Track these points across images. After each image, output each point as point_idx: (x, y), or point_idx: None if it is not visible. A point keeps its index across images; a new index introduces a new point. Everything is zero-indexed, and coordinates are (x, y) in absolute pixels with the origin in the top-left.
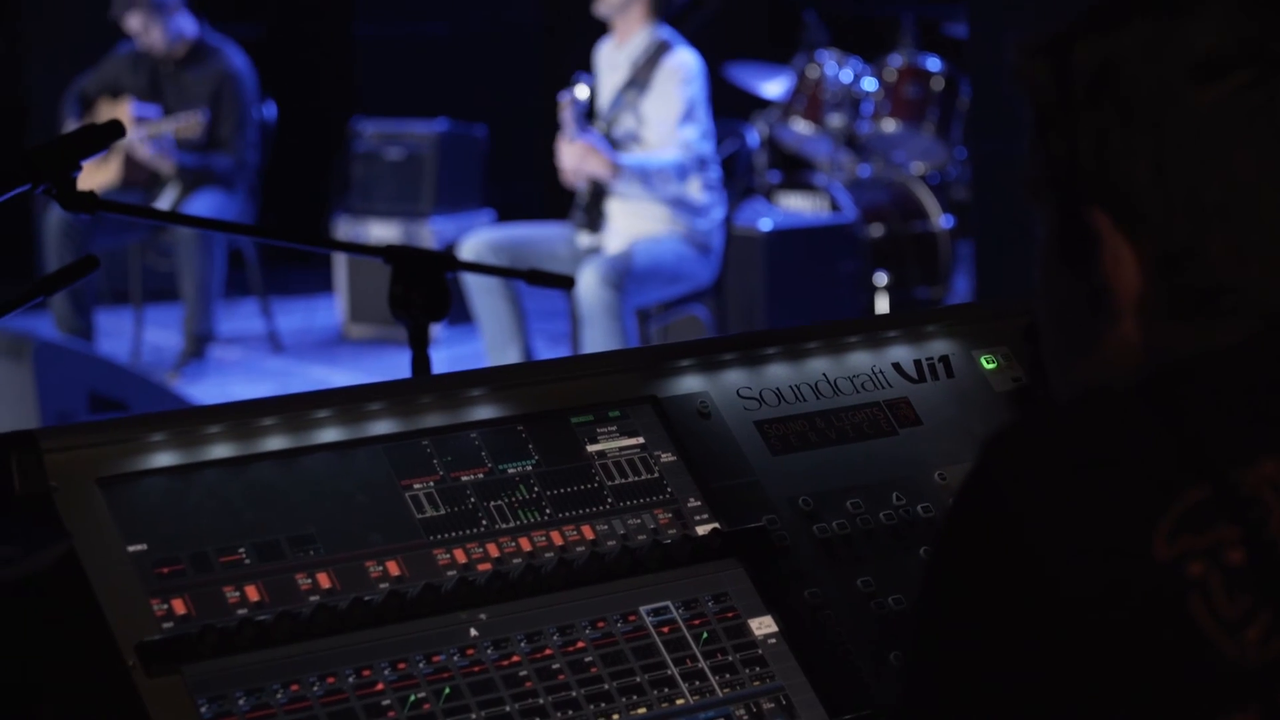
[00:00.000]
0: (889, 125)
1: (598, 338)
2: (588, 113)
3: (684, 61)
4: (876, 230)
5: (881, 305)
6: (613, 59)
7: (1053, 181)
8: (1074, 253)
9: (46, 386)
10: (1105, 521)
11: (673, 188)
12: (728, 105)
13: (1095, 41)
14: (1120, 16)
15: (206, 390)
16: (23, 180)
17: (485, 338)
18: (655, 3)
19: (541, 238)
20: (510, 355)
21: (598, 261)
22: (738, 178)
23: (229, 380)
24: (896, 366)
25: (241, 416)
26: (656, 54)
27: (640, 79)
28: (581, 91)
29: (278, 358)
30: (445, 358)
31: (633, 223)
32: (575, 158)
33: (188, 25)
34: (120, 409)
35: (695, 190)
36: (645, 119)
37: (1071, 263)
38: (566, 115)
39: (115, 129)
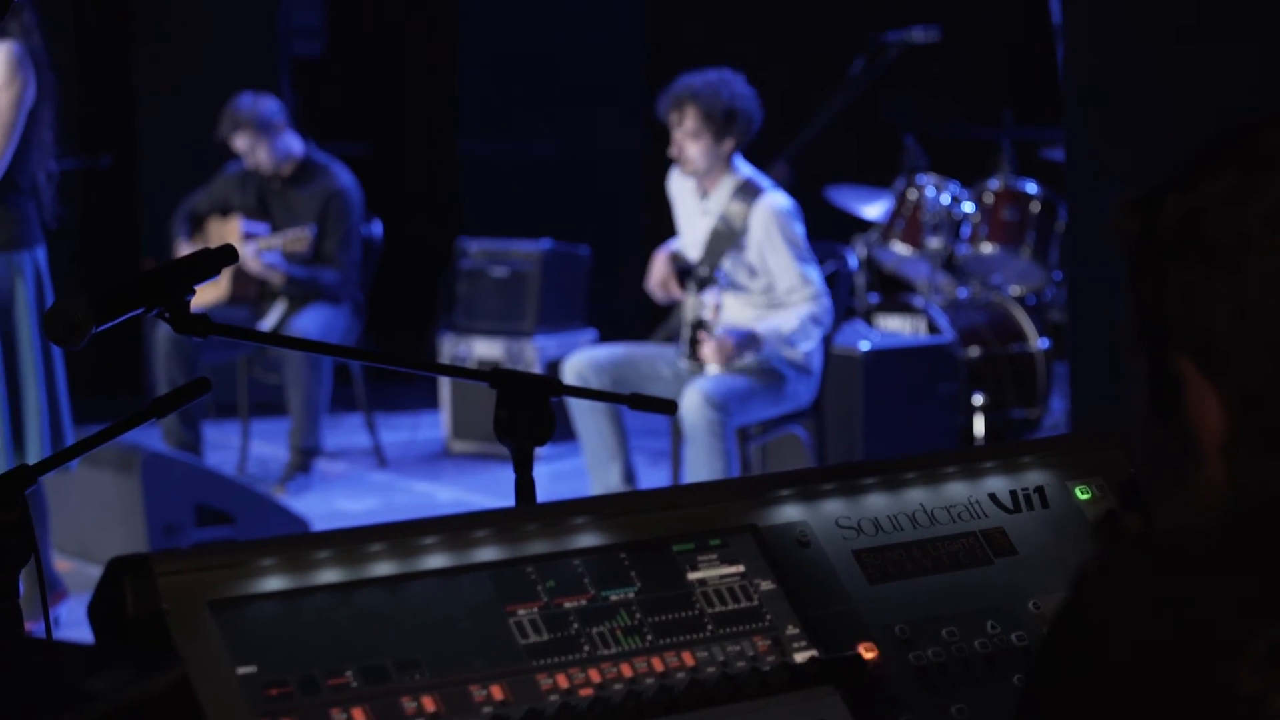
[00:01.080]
0: (987, 248)
1: (700, 456)
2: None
3: (779, 205)
4: (974, 352)
5: (978, 426)
6: (697, 204)
7: (1143, 331)
8: (1163, 400)
9: (154, 498)
10: (1191, 655)
11: (817, 334)
12: (828, 227)
13: (1184, 194)
14: (1209, 170)
15: (312, 503)
16: (137, 304)
17: (586, 454)
18: (735, 149)
19: (644, 357)
20: (611, 473)
21: (702, 382)
22: (837, 299)
23: (334, 494)
24: (992, 497)
25: (350, 543)
26: (747, 199)
27: (735, 227)
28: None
29: (382, 472)
30: (547, 473)
31: None
32: (723, 354)
33: (294, 144)
34: (226, 521)
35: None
36: (758, 270)
37: (1161, 409)
38: (708, 316)
39: (228, 254)
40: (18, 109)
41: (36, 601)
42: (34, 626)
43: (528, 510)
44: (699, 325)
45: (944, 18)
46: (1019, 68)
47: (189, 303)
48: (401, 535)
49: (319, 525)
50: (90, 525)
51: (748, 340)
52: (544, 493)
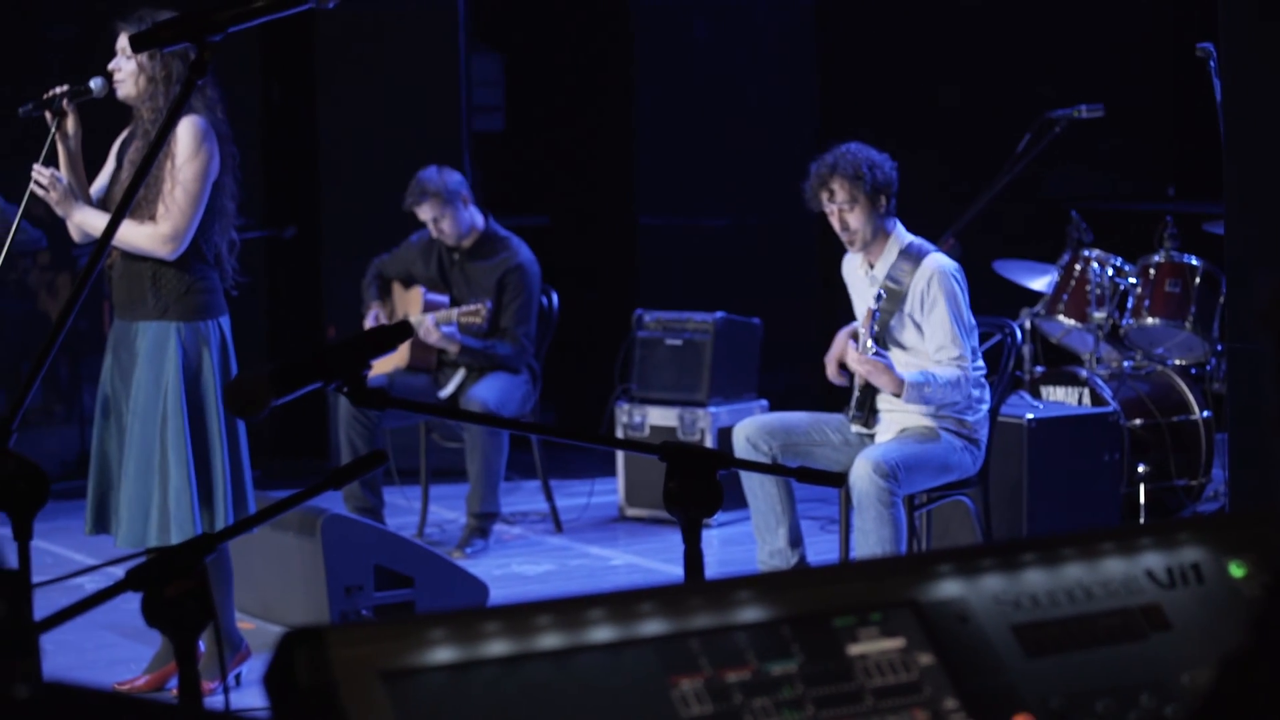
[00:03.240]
0: (1150, 320)
1: (869, 524)
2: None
3: (943, 264)
4: (1137, 422)
5: (1141, 495)
6: (866, 276)
7: None
8: None
9: (334, 560)
10: None
11: (952, 399)
12: (995, 300)
13: None
14: None
15: (488, 567)
16: (315, 379)
17: (754, 518)
18: (890, 210)
19: (813, 423)
20: (778, 537)
21: (871, 451)
22: (1004, 370)
23: (511, 558)
24: (1149, 573)
25: (519, 617)
26: (913, 260)
27: (902, 285)
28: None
29: (558, 537)
30: (716, 536)
31: (905, 416)
32: (865, 371)
33: (477, 217)
34: (405, 584)
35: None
36: (916, 330)
37: None
38: (864, 330)
39: (403, 330)
40: (203, 180)
41: (218, 660)
42: (213, 685)
43: (691, 586)
44: (869, 388)
45: (1108, 95)
46: (1183, 143)
47: (366, 377)
48: (569, 609)
49: (496, 588)
50: (273, 586)
51: (899, 381)
52: (715, 555)
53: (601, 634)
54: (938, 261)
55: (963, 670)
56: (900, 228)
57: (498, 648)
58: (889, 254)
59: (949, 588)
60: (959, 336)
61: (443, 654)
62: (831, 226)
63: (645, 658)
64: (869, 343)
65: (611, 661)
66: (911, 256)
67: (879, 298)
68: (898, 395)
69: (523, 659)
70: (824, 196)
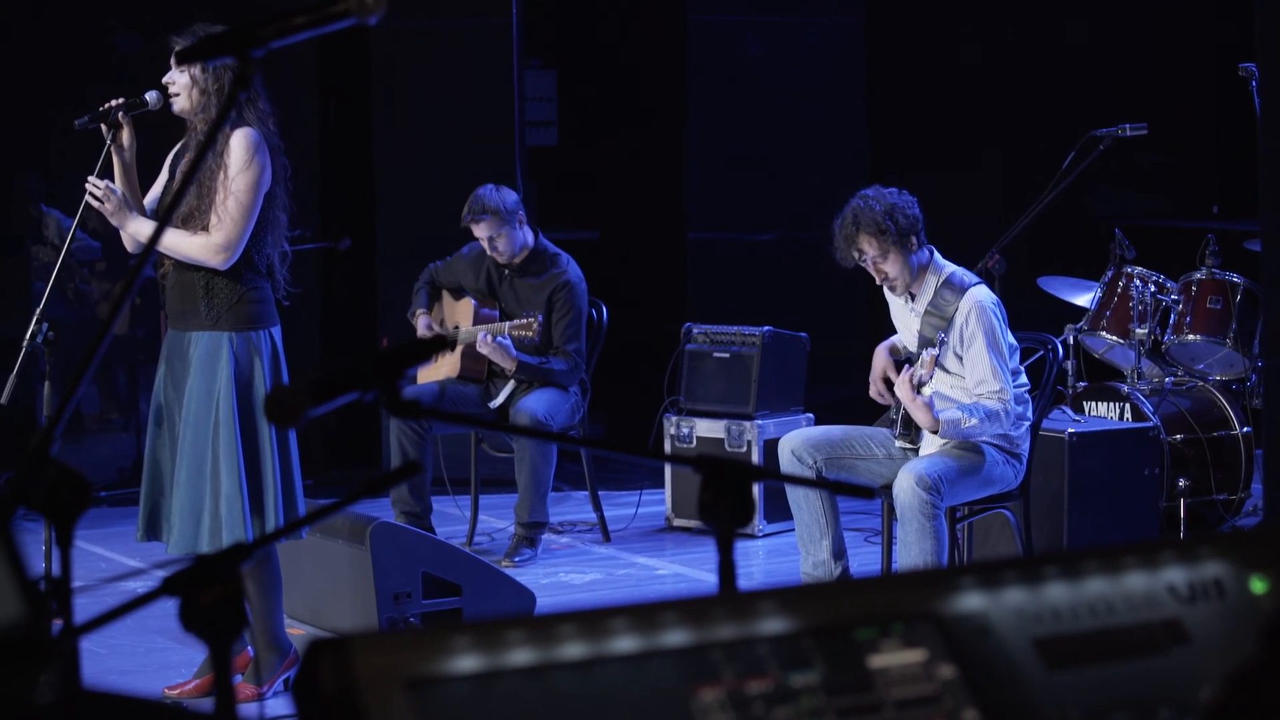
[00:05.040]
0: (1191, 336)
1: (911, 536)
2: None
3: (982, 297)
4: (1178, 437)
5: (1182, 510)
6: (907, 307)
7: None
8: None
9: (383, 568)
10: None
11: (992, 431)
12: (1039, 316)
13: None
14: None
15: (536, 576)
16: (352, 389)
17: (798, 529)
18: (922, 246)
19: (858, 437)
20: (822, 549)
21: (915, 465)
22: (1045, 385)
23: (559, 567)
24: (1170, 587)
25: (542, 627)
26: (955, 291)
27: (946, 314)
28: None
29: (605, 546)
30: (762, 546)
31: None
32: (907, 404)
33: (528, 235)
34: (453, 591)
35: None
36: (958, 359)
37: None
38: (923, 371)
39: (440, 342)
40: (255, 192)
41: (267, 664)
42: (265, 689)
43: (713, 598)
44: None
45: (1152, 114)
46: (1226, 162)
47: (402, 388)
48: (591, 620)
49: (543, 597)
50: (322, 593)
51: (936, 421)
52: (760, 566)
53: (624, 644)
54: (976, 296)
55: (984, 683)
56: (937, 256)
57: (521, 657)
58: (928, 285)
59: (971, 601)
60: (998, 369)
61: (466, 663)
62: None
63: (667, 668)
64: (920, 373)
65: (634, 672)
66: (953, 288)
67: (942, 342)
68: (934, 432)
69: (546, 669)
70: (855, 256)
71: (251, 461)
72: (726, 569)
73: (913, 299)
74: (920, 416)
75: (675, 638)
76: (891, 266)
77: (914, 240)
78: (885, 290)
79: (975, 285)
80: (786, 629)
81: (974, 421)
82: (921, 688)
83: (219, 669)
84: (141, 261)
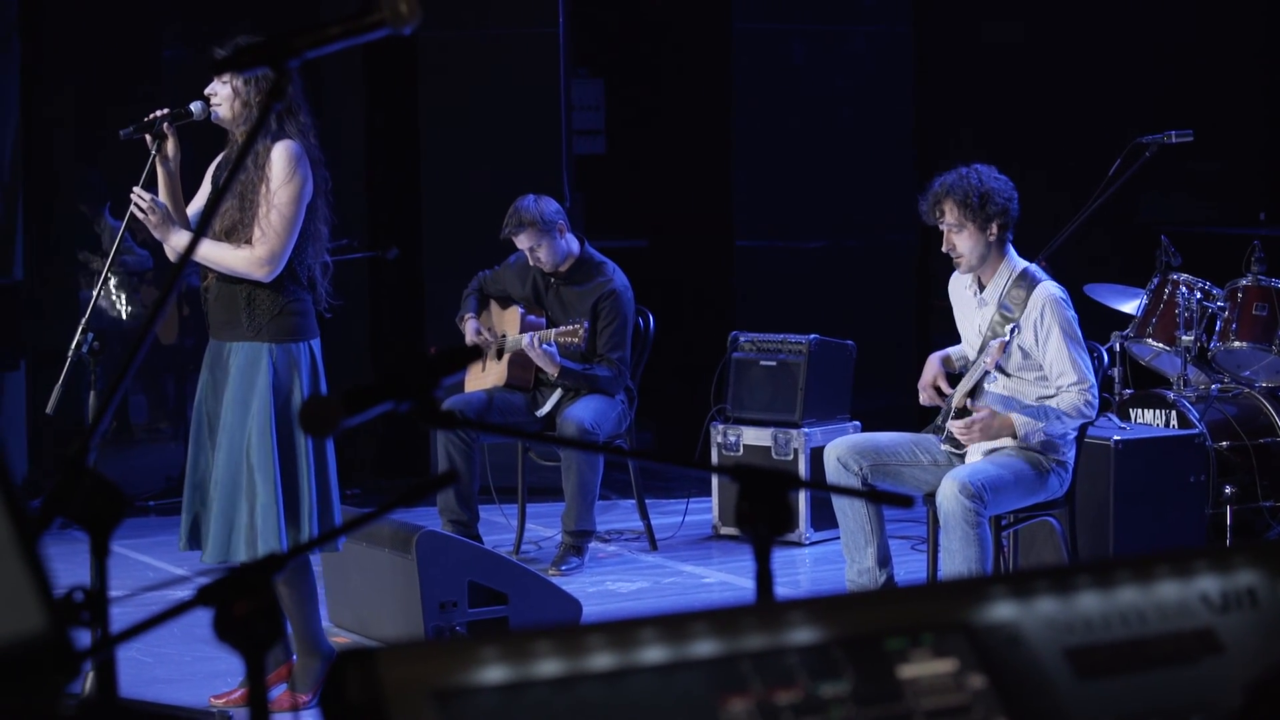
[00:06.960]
0: (1237, 343)
1: (955, 544)
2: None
3: (1055, 292)
4: (1224, 444)
5: (1228, 517)
6: (974, 298)
7: None
8: None
9: (429, 577)
10: None
11: (1073, 427)
12: (1085, 323)
13: None
14: None
15: (583, 584)
16: (386, 399)
17: (843, 537)
18: (1002, 237)
19: (904, 444)
20: (867, 556)
21: (959, 472)
22: None
23: (605, 575)
24: (1203, 596)
25: (570, 638)
26: (1026, 286)
27: (1014, 313)
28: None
29: (652, 555)
30: (809, 554)
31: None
32: (984, 424)
33: (573, 243)
34: (499, 600)
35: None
36: (1031, 354)
37: None
38: (989, 360)
39: (474, 352)
40: (297, 204)
41: (310, 672)
42: (307, 698)
43: (741, 608)
44: (961, 413)
45: (1198, 120)
46: (1272, 168)
47: (441, 398)
48: (620, 630)
49: (589, 605)
50: (368, 602)
51: (1000, 422)
52: (806, 574)
53: (653, 655)
54: (1048, 290)
55: (1014, 693)
56: (1013, 252)
57: (549, 668)
58: (1000, 277)
59: (1002, 610)
60: (1078, 361)
61: (494, 674)
62: (929, 245)
63: (696, 678)
64: (985, 362)
65: (663, 682)
66: (1025, 284)
67: (1014, 330)
68: (1015, 438)
69: (574, 680)
70: (935, 215)
71: (288, 472)
72: (764, 578)
73: (981, 289)
74: (999, 427)
75: (704, 648)
76: (963, 242)
77: (994, 228)
78: (950, 283)
79: (1047, 281)
80: (816, 639)
81: (1050, 419)
82: (952, 698)
83: (253, 679)
84: (176, 272)
